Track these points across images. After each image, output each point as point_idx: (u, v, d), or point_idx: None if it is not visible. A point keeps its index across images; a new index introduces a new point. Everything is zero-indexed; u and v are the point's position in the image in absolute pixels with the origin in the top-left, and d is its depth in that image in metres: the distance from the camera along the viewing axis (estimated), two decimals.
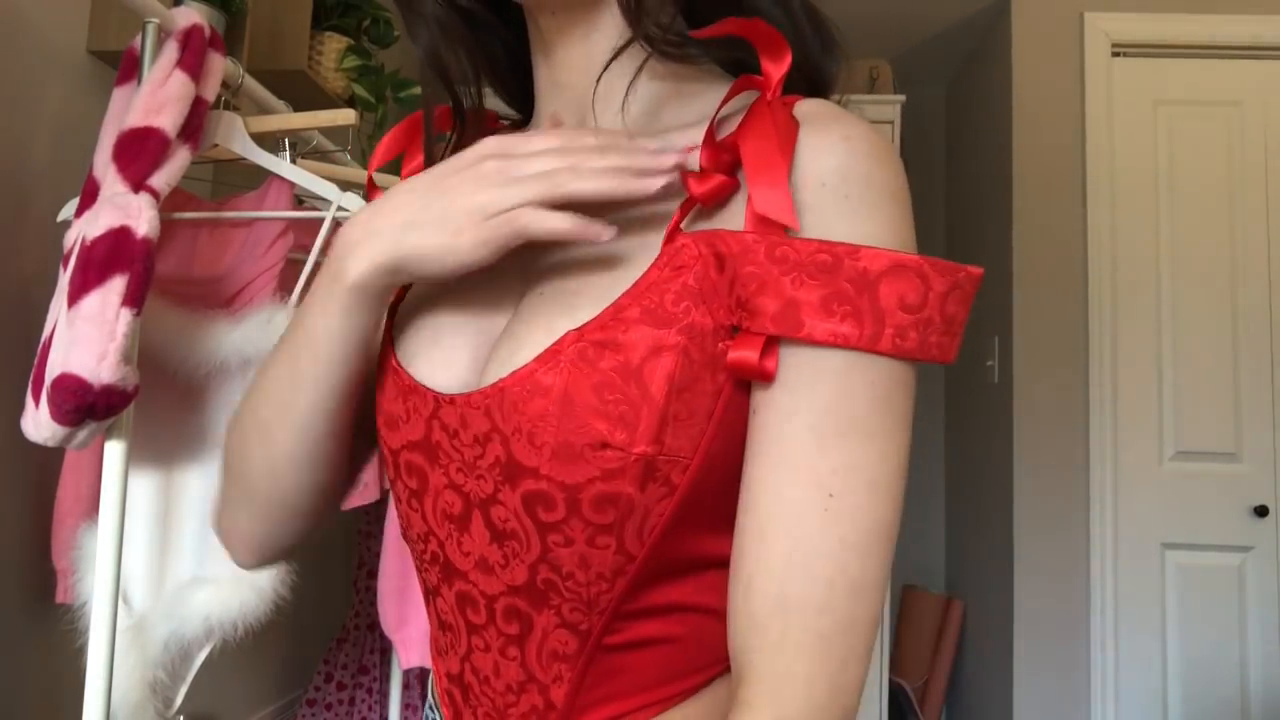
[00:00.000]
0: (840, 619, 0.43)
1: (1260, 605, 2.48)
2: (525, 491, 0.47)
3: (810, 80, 0.54)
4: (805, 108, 0.48)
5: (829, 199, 0.45)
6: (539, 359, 0.46)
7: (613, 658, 0.50)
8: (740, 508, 0.46)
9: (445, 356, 0.53)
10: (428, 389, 0.52)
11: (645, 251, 0.48)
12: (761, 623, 0.44)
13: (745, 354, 0.44)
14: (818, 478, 0.44)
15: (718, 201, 0.47)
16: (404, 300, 0.60)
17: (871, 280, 0.43)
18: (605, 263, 0.49)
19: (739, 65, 0.55)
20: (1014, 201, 2.68)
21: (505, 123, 0.66)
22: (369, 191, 0.68)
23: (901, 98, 2.80)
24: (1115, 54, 2.67)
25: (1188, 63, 2.64)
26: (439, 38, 0.56)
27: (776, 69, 0.47)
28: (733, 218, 0.47)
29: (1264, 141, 2.59)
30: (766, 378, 0.44)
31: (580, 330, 0.46)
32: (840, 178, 0.45)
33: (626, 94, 0.54)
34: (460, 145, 0.59)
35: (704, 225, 0.47)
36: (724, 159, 0.47)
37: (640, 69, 0.53)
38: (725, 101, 0.50)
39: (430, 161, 0.60)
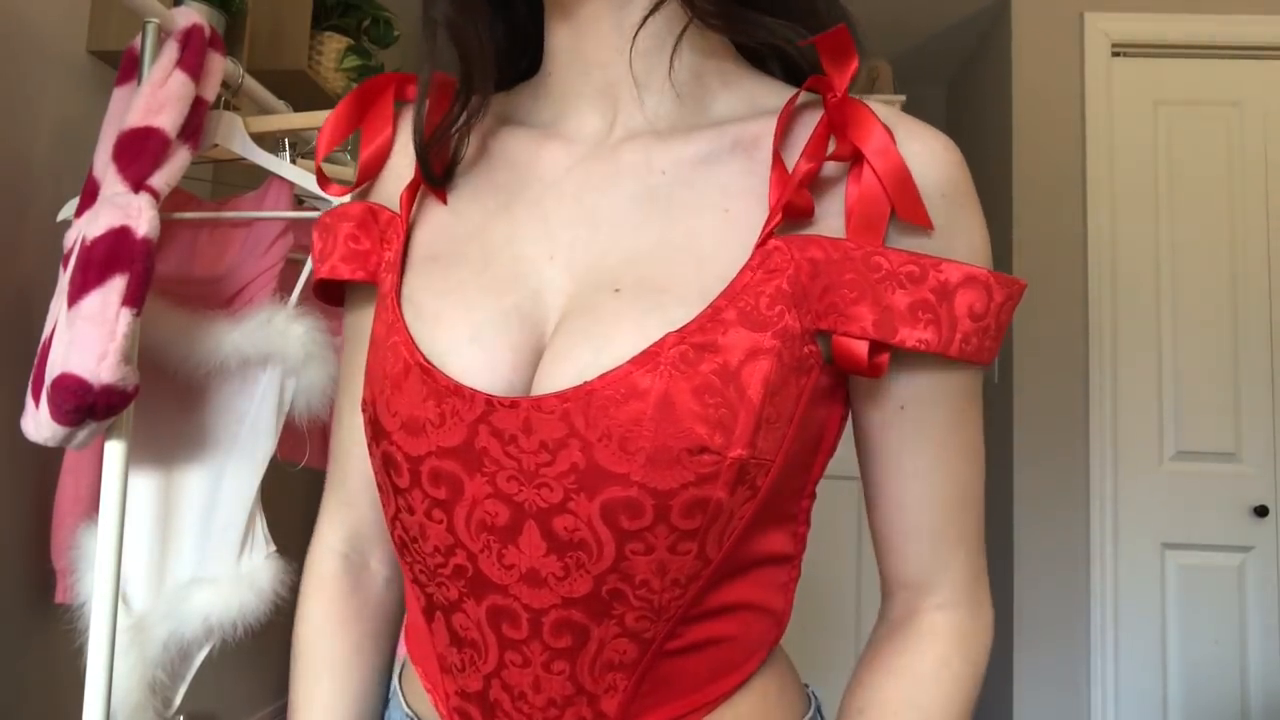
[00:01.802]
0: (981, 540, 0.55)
1: (1260, 605, 2.48)
2: (607, 499, 0.45)
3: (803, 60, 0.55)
4: (879, 110, 0.50)
5: (944, 210, 0.48)
6: (635, 360, 0.44)
7: (670, 662, 0.49)
8: (873, 487, 0.53)
9: (488, 356, 0.49)
10: (475, 391, 0.48)
11: (728, 251, 0.48)
12: (946, 553, 0.52)
13: (854, 349, 0.47)
14: (962, 443, 0.52)
15: (804, 216, 0.48)
16: (418, 290, 0.54)
17: (950, 291, 0.47)
18: (690, 260, 0.48)
19: (770, 51, 0.57)
20: (1014, 201, 2.68)
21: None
22: (319, 182, 0.63)
23: (901, 98, 2.78)
24: (1115, 54, 2.66)
25: (1188, 63, 2.64)
26: (456, 10, 0.53)
27: (841, 76, 0.49)
28: (826, 217, 0.48)
29: (1264, 141, 2.58)
30: (876, 373, 0.48)
31: (681, 332, 0.45)
32: (954, 188, 0.49)
33: (671, 62, 0.52)
34: (469, 122, 0.55)
35: (796, 229, 0.48)
36: (825, 159, 0.48)
37: (680, 38, 0.51)
38: (794, 99, 0.51)
39: (418, 131, 0.55)
